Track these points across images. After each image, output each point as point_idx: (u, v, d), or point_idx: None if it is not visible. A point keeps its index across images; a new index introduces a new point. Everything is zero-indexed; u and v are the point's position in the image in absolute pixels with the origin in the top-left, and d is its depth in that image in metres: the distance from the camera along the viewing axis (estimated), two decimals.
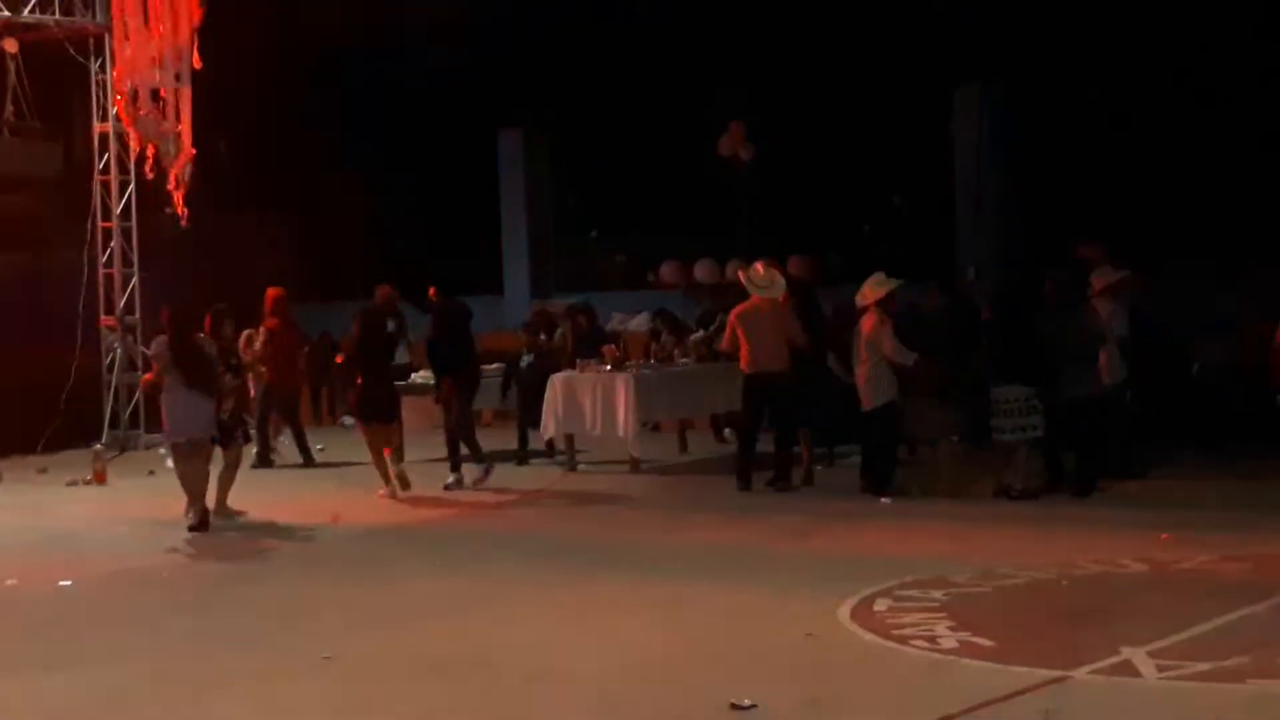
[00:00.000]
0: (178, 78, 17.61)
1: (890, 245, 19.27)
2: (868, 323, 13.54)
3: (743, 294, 14.69)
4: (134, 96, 17.65)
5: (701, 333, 17.03)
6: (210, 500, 12.99)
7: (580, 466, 16.01)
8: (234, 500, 13.46)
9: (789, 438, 14.49)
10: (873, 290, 13.56)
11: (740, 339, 14.26)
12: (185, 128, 17.79)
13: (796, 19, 19.75)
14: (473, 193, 23.76)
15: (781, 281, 14.58)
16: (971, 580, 9.82)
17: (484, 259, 23.46)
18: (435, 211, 23.59)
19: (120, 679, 8.16)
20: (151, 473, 15.60)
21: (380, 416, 14.50)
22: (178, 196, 17.96)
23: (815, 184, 20.70)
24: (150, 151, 17.84)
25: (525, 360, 17.24)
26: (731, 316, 14.48)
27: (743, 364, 14.34)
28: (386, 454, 14.50)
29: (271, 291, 17.20)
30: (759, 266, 14.77)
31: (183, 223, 18.11)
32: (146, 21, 17.55)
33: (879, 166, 20.38)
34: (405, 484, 14.40)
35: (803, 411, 14.47)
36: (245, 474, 15.67)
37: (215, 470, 13.22)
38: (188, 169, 17.83)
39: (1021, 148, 19.78)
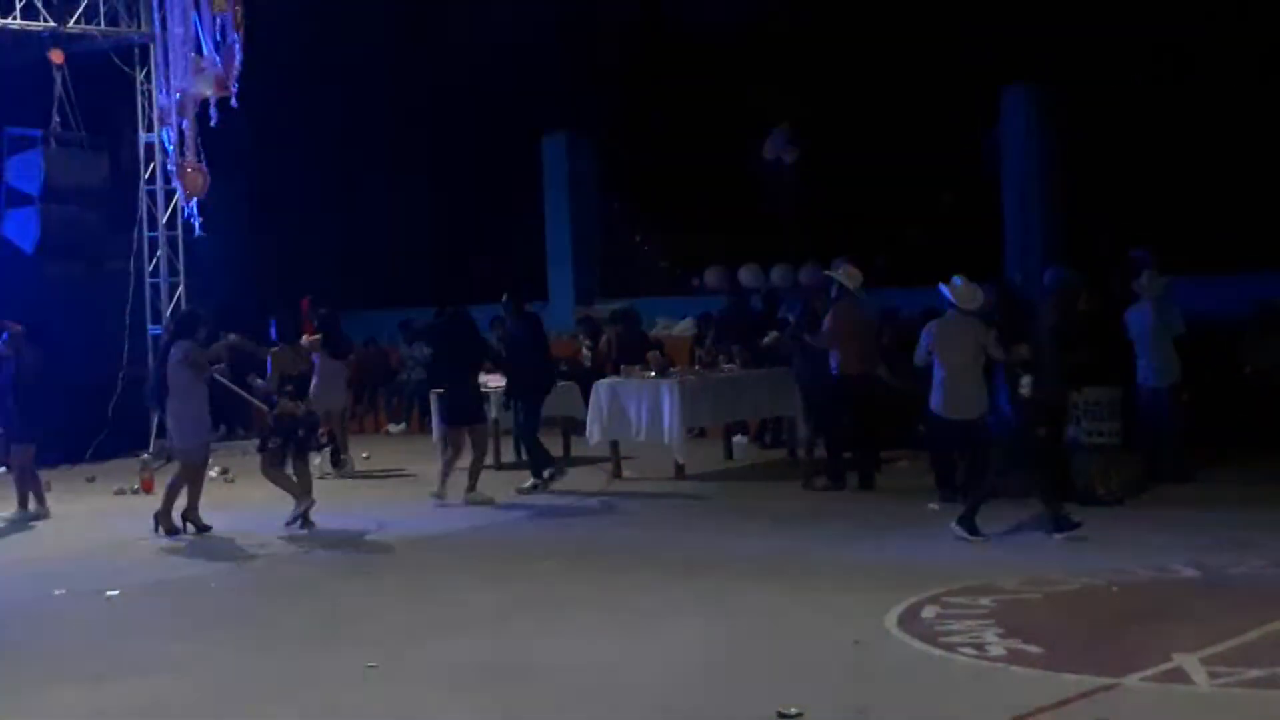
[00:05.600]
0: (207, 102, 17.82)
1: (937, 246, 19.12)
2: (973, 326, 13.33)
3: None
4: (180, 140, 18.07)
5: (775, 334, 16.92)
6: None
7: (625, 473, 15.97)
8: (273, 508, 13.58)
9: (874, 439, 14.68)
10: (973, 295, 13.36)
11: (841, 340, 14.30)
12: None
13: (841, 20, 19.67)
14: (516, 198, 23.76)
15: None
16: (1020, 587, 9.74)
17: (528, 265, 23.45)
18: (479, 217, 23.60)
19: (166, 688, 8.18)
20: None
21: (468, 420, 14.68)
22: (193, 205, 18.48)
23: (861, 186, 20.58)
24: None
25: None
26: (835, 318, 14.47)
27: (839, 365, 14.34)
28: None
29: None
30: (852, 268, 14.84)
31: (198, 231, 18.54)
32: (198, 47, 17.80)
33: (925, 168, 20.23)
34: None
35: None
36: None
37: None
38: (203, 184, 18.22)
39: (1069, 146, 19.62)
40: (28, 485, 14.47)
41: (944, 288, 13.43)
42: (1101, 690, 7.36)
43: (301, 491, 13.29)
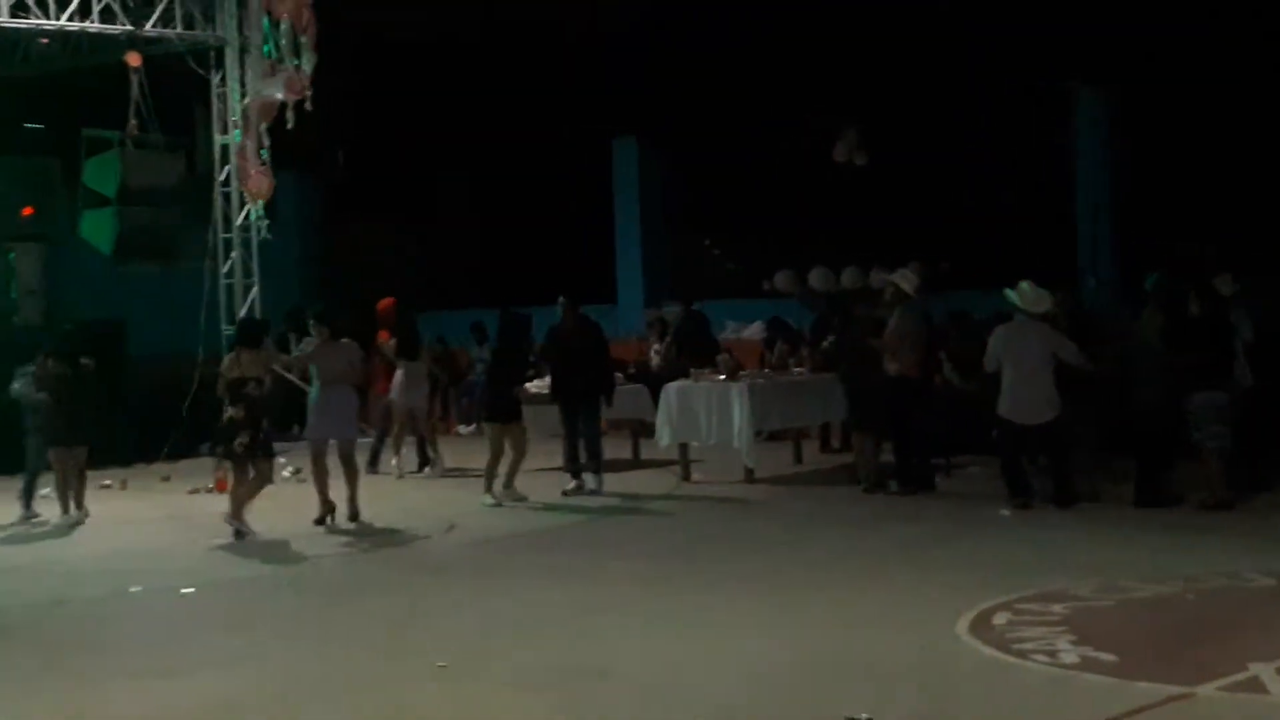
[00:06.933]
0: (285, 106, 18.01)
1: (1008, 249, 19.00)
2: (1040, 331, 13.30)
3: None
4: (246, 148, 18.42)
5: (832, 339, 16.85)
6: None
7: (694, 475, 15.97)
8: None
9: (935, 442, 14.84)
10: (1040, 299, 13.32)
11: (903, 345, 14.30)
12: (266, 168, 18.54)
13: (911, 22, 19.57)
14: (587, 201, 23.82)
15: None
16: (1094, 593, 9.66)
17: (597, 268, 23.50)
18: (550, 220, 23.68)
19: (241, 685, 8.25)
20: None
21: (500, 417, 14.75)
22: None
23: (931, 189, 20.49)
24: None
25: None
26: (898, 323, 14.46)
27: (900, 370, 14.31)
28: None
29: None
30: (910, 273, 14.89)
31: (265, 234, 18.86)
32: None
33: (996, 170, 20.13)
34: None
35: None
36: (375, 481, 15.85)
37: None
38: (268, 187, 18.54)
39: (1142, 148, 19.44)
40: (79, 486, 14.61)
41: (1010, 293, 13.39)
42: (1175, 699, 7.29)
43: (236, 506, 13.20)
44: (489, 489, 14.70)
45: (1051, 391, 13.19)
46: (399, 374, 17.00)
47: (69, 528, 14.13)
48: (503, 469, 14.79)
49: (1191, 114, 18.31)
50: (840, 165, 21.45)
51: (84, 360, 14.57)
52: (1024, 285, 13.38)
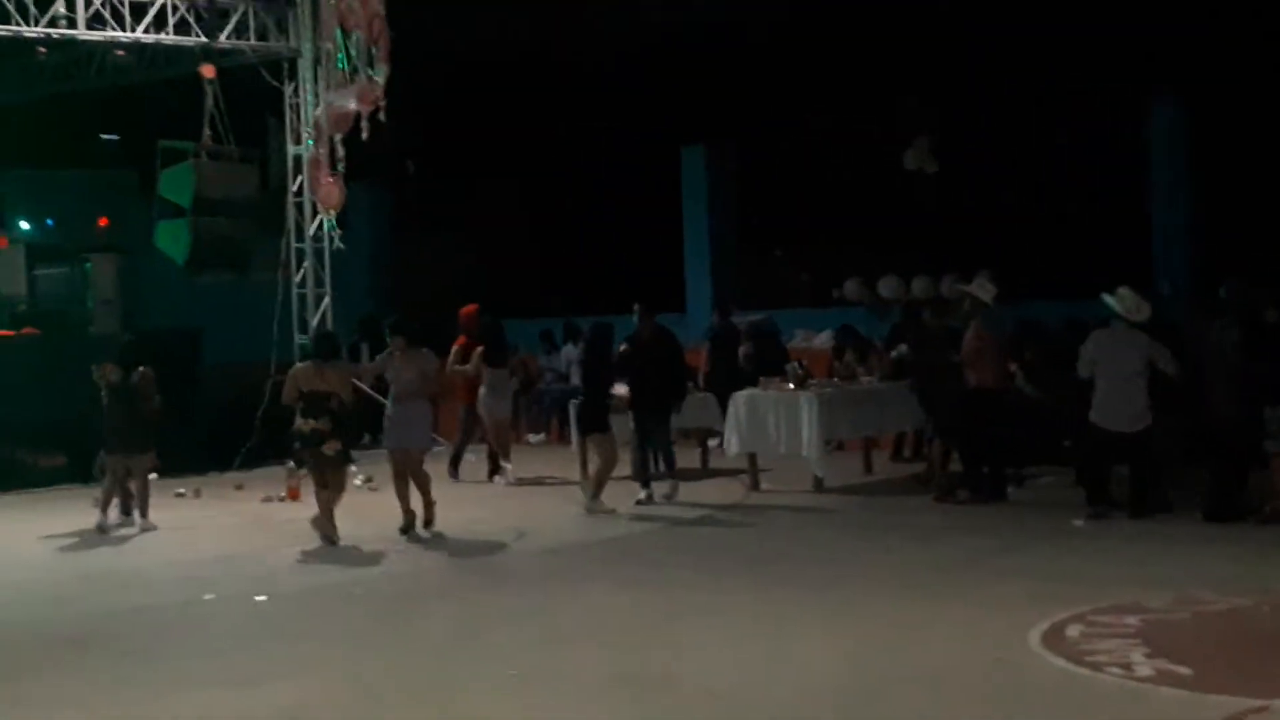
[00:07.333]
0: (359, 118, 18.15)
1: (1081, 257, 18.87)
2: (1139, 339, 13.19)
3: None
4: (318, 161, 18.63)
5: (904, 348, 16.76)
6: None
7: (763, 485, 15.94)
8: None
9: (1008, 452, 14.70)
10: (1140, 307, 13.19)
11: (980, 355, 14.25)
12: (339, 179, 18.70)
13: (981, 29, 19.49)
14: (655, 210, 23.85)
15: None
16: (1169, 606, 9.56)
17: (666, 276, 23.51)
18: (618, 228, 23.72)
19: (312, 693, 8.32)
20: None
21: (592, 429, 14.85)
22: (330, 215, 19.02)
23: (1001, 197, 20.40)
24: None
25: None
26: (976, 334, 14.42)
27: (976, 380, 14.28)
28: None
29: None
30: (988, 283, 14.83)
31: (337, 244, 19.03)
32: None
33: (1069, 178, 20.00)
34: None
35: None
36: (450, 489, 15.87)
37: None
38: (339, 198, 18.68)
39: (1214, 157, 19.26)
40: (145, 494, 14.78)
41: (1109, 299, 13.19)
42: (1251, 713, 7.21)
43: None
44: (598, 495, 14.66)
45: (1145, 400, 13.02)
46: (484, 383, 17.00)
47: (122, 537, 14.26)
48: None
49: (1267, 120, 18.12)
50: (911, 173, 21.37)
51: (141, 369, 14.67)
52: (1124, 291, 13.16)
